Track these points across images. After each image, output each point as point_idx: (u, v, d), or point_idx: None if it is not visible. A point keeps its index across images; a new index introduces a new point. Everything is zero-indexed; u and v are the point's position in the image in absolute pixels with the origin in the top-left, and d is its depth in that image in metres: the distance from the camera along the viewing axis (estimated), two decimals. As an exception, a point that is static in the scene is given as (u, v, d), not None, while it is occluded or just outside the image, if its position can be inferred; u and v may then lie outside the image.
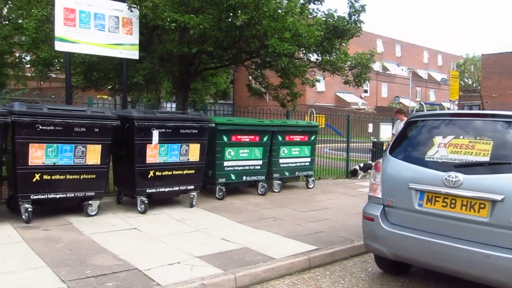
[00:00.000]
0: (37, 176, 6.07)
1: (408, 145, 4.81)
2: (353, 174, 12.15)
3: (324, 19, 10.64)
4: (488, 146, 4.03)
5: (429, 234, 4.12)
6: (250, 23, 8.60)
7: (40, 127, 5.99)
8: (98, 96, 9.86)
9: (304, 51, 10.97)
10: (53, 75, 26.04)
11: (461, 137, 4.26)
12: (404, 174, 4.47)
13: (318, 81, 12.56)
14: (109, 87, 16.93)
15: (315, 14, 11.19)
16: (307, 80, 12.19)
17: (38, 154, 6.04)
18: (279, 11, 9.07)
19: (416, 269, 5.19)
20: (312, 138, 9.86)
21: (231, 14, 8.96)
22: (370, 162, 12.09)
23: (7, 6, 25.22)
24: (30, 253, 4.89)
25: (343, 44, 11.32)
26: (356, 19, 10.51)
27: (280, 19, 8.98)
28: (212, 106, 10.96)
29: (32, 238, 5.44)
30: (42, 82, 34.14)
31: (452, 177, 4.01)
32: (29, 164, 6.00)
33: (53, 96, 7.85)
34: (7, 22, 25.97)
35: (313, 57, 11.66)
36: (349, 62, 11.37)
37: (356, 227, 6.53)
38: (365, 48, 15.66)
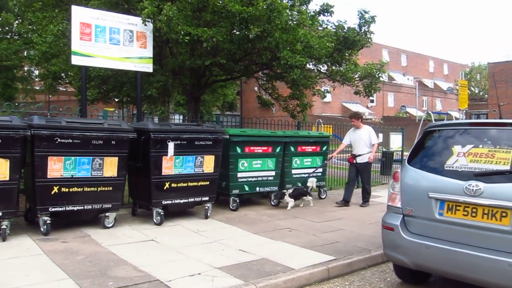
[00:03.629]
0: (55, 189, 6.14)
1: (426, 154, 4.83)
2: (278, 197, 8.76)
3: (334, 30, 10.73)
4: (508, 155, 4.05)
5: (450, 243, 4.13)
6: (262, 35, 8.70)
7: (59, 140, 6.07)
8: (104, 109, 9.95)
9: (314, 62, 11.04)
10: (61, 88, 26.37)
11: (481, 146, 4.28)
12: (424, 183, 4.49)
13: (329, 92, 12.61)
14: (116, 100, 17.11)
15: (325, 26, 11.28)
16: (318, 91, 12.24)
17: (56, 167, 6.11)
18: (291, 23, 9.16)
19: (435, 278, 5.18)
20: (324, 148, 9.90)
21: (243, 27, 9.05)
22: (305, 186, 9.11)
23: (17, 22, 25.59)
24: (51, 265, 4.93)
25: (353, 55, 11.39)
26: (366, 30, 10.58)
27: (292, 31, 9.07)
28: (217, 117, 11.02)
29: (51, 250, 5.48)
30: (50, 96, 34.48)
31: (473, 186, 4.03)
32: (48, 176, 6.07)
33: (70, 108, 7.94)
34: (17, 37, 26.35)
35: (323, 68, 11.73)
36: (359, 73, 11.41)
37: (372, 237, 6.56)
38: (370, 58, 15.76)
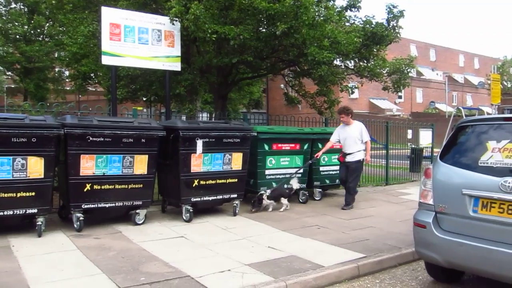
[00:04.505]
0: (88, 186, 6.28)
1: (459, 150, 4.72)
2: (256, 203, 7.91)
3: (361, 25, 10.61)
4: (546, 150, 3.92)
5: (485, 241, 4.03)
6: (289, 32, 8.67)
7: (91, 138, 6.21)
8: (133, 108, 10.11)
9: (341, 58, 10.94)
10: (90, 88, 26.97)
11: (517, 141, 4.15)
12: (457, 180, 4.39)
13: (357, 88, 12.48)
14: (144, 99, 17.35)
15: (352, 21, 11.16)
16: (346, 87, 12.14)
17: (88, 165, 6.25)
18: (318, 19, 9.09)
19: (468, 277, 5.07)
20: (352, 145, 9.77)
21: (269, 24, 9.04)
22: (287, 186, 8.39)
23: (48, 24, 26.24)
24: (84, 261, 5.05)
25: (381, 50, 11.23)
26: (395, 24, 10.42)
27: (319, 27, 9.01)
28: (245, 115, 11.08)
29: (84, 246, 5.61)
30: (80, 96, 35.27)
31: (509, 183, 3.92)
32: (80, 174, 6.21)
33: (101, 108, 8.11)
34: (48, 39, 27.06)
35: (351, 64, 11.61)
36: (387, 68, 11.25)
37: (402, 235, 6.46)
38: (398, 53, 15.51)
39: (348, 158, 8.44)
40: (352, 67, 11.70)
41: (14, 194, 5.76)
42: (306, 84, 13.58)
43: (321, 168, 9.25)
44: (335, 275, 4.93)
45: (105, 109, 8.65)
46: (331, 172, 9.43)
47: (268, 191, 7.97)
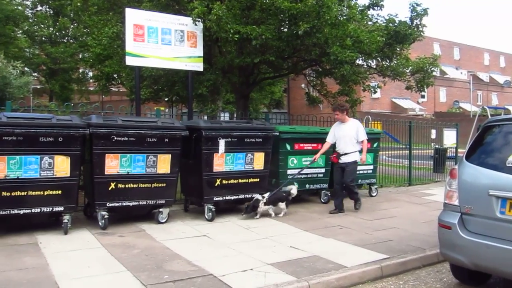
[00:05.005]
0: (112, 185, 6.38)
1: (485, 150, 4.64)
2: (251, 209, 7.32)
3: (384, 24, 10.51)
4: None
5: (513, 243, 3.95)
6: (312, 31, 8.64)
7: (115, 138, 6.31)
8: (156, 108, 10.23)
9: (364, 58, 10.86)
10: (113, 89, 27.40)
11: (546, 141, 4.06)
12: (483, 180, 4.31)
13: (380, 87, 12.36)
14: (166, 99, 17.54)
15: (375, 20, 11.07)
16: (368, 87, 12.03)
17: (113, 164, 6.35)
18: (340, 18, 9.04)
19: (495, 280, 4.97)
20: (375, 145, 9.71)
21: (291, 23, 9.03)
22: (285, 190, 7.81)
23: (72, 26, 26.74)
24: (110, 258, 5.14)
25: (404, 49, 11.11)
26: (418, 23, 10.29)
27: (341, 26, 8.95)
28: (266, 115, 11.07)
29: (109, 243, 5.71)
30: (103, 96, 35.83)
31: (538, 184, 3.83)
32: (105, 173, 6.33)
33: (125, 108, 8.23)
34: (72, 41, 27.58)
35: (373, 63, 11.51)
36: (410, 67, 11.11)
37: (426, 236, 6.38)
38: (421, 52, 15.28)
39: (343, 159, 7.89)
40: (375, 67, 11.59)
41: (42, 192, 5.90)
42: (327, 84, 13.52)
43: (343, 168, 9.17)
44: (358, 275, 4.90)
45: (128, 109, 8.77)
46: (353, 172, 9.34)
47: (266, 196, 7.44)
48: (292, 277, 4.62)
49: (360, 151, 7.94)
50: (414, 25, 10.47)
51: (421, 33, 10.77)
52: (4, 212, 5.68)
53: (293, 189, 7.82)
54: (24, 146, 5.72)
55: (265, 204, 7.39)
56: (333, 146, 8.18)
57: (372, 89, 12.30)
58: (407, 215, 8.05)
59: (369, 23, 11.13)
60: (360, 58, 10.87)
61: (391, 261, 5.31)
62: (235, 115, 15.40)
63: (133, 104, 19.97)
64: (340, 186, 8.02)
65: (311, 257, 5.32)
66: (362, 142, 7.94)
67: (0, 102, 6.95)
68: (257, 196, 7.40)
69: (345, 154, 7.88)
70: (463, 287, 4.83)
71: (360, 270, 4.96)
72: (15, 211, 5.75)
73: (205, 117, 11.53)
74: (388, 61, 11.09)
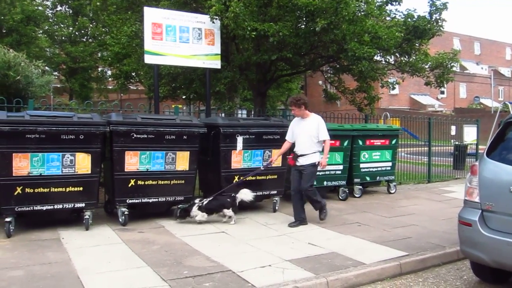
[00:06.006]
0: (132, 182, 6.47)
1: (507, 146, 4.59)
2: (182, 213, 6.71)
3: (403, 19, 10.40)
4: None
5: (536, 240, 3.89)
6: (329, 28, 8.61)
7: (135, 135, 6.40)
8: (174, 105, 10.32)
9: (382, 54, 10.77)
10: (131, 87, 27.71)
11: None
12: (504, 177, 4.26)
13: (398, 83, 12.25)
14: (183, 97, 17.67)
15: (393, 15, 10.96)
16: (386, 83, 11.93)
17: (133, 161, 6.44)
18: (358, 14, 8.98)
19: (517, 278, 4.90)
20: (393, 142, 9.64)
21: (309, 20, 9.00)
22: (224, 197, 6.85)
23: (91, 25, 27.11)
24: (130, 254, 5.22)
25: (423, 44, 10.98)
26: (438, 17, 10.16)
27: (359, 22, 8.90)
28: (284, 112, 11.08)
29: (129, 239, 5.79)
30: (121, 94, 36.24)
31: (562, 180, 3.77)
32: (125, 170, 6.42)
33: (143, 106, 8.33)
34: (91, 40, 27.97)
35: (391, 59, 11.41)
36: (429, 63, 10.97)
37: (446, 233, 6.32)
38: (440, 47, 15.08)
39: (301, 160, 6.64)
40: (393, 62, 11.49)
41: (64, 189, 6.02)
42: (345, 80, 13.46)
43: (362, 165, 9.14)
44: (376, 272, 4.89)
45: (146, 107, 8.87)
46: (371, 169, 9.32)
47: (205, 201, 6.73)
48: (311, 273, 4.63)
49: (322, 152, 6.74)
50: (433, 20, 10.34)
51: (441, 28, 10.63)
52: (27, 208, 5.81)
53: (243, 194, 6.85)
54: (46, 144, 5.84)
55: (201, 209, 6.62)
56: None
57: (390, 85, 12.19)
58: (427, 212, 7.98)
59: (387, 18, 11.04)
60: (378, 54, 10.78)
61: (410, 258, 5.28)
62: (252, 112, 15.45)
63: (151, 102, 20.19)
64: (297, 193, 6.77)
65: (329, 254, 5.32)
66: (324, 142, 6.69)
67: (23, 101, 7.08)
68: (195, 200, 6.78)
69: (303, 155, 6.63)
70: (483, 285, 4.78)
71: (379, 267, 4.95)
72: (38, 207, 5.88)
73: (222, 114, 11.57)
74: (406, 56, 10.99)
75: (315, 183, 6.96)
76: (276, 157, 7.10)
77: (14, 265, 4.69)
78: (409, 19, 10.35)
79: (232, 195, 6.84)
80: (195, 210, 6.63)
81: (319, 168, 6.83)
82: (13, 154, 5.67)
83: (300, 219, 6.78)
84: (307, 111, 6.79)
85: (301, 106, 6.72)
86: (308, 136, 6.65)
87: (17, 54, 7.73)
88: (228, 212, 6.76)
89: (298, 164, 6.68)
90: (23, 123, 5.69)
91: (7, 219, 5.70)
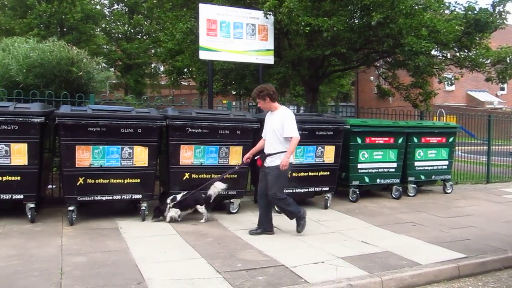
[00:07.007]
0: (186, 175, 6.62)
1: None
2: (157, 212, 6.45)
3: (463, 12, 9.99)
4: None
5: None
6: (385, 22, 8.41)
7: (190, 129, 6.53)
8: (225, 101, 10.44)
9: (439, 48, 10.40)
10: (183, 83, 28.28)
11: None
12: None
13: (457, 79, 11.78)
14: (233, 92, 17.82)
15: (452, 8, 10.55)
16: (444, 79, 11.51)
17: (187, 155, 6.59)
18: (416, 7, 8.71)
19: None
20: (450, 140, 9.31)
21: (364, 14, 8.83)
22: (204, 193, 6.45)
23: (146, 23, 27.88)
24: (184, 245, 5.35)
25: (484, 38, 10.50)
26: (501, 10, 9.69)
27: (417, 16, 8.63)
28: (337, 108, 10.94)
29: (184, 231, 5.94)
30: (174, 90, 37.06)
31: None
32: (180, 163, 6.57)
33: (197, 101, 8.50)
34: (146, 37, 28.78)
35: (449, 53, 11.00)
36: (491, 58, 10.48)
37: (507, 237, 6.07)
38: (501, 41, 14.33)
39: (267, 161, 5.80)
40: (450, 57, 11.06)
41: (122, 180, 6.25)
42: (399, 76, 13.11)
43: (416, 163, 8.90)
44: (433, 274, 4.75)
45: (197, 102, 9.03)
46: (427, 168, 9.05)
47: (179, 196, 6.36)
48: (364, 271, 4.57)
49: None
50: (496, 12, 9.87)
51: (504, 21, 10.13)
52: (88, 198, 6.09)
53: (216, 189, 6.49)
54: (106, 137, 6.08)
55: (175, 206, 6.33)
56: None
57: (448, 81, 11.76)
58: (485, 213, 7.67)
59: (446, 11, 10.63)
60: (436, 49, 10.43)
61: (469, 260, 5.09)
62: (301, 108, 15.35)
63: (202, 97, 20.53)
64: (261, 199, 6.00)
65: (383, 253, 5.23)
66: (291, 139, 5.69)
67: (84, 95, 7.41)
68: (169, 198, 6.41)
69: (269, 155, 5.80)
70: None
71: (435, 269, 4.80)
72: (98, 197, 6.15)
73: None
74: (466, 51, 10.55)
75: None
76: (249, 155, 6.21)
77: (77, 252, 4.93)
78: (469, 12, 9.93)
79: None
80: (169, 210, 6.34)
81: (271, 164, 5.73)
82: (76, 146, 5.96)
83: (264, 227, 5.97)
84: (274, 103, 5.88)
85: (265, 98, 5.82)
86: (273, 132, 5.78)
87: (80, 51, 8.10)
88: (201, 209, 6.45)
89: (265, 165, 5.83)
90: (85, 117, 5.95)
91: (70, 208, 6.00)
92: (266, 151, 5.85)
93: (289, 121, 5.71)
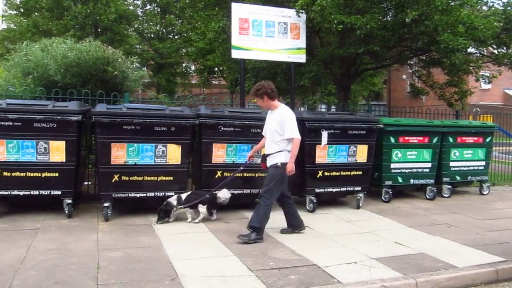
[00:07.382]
0: (219, 173, 6.67)
1: None
2: (163, 214, 6.16)
3: (502, 8, 9.69)
4: None
5: None
6: (420, 19, 8.24)
7: (222, 128, 6.58)
8: (253, 100, 10.47)
9: (476, 45, 10.11)
10: (214, 82, 28.50)
11: None
12: None
13: (495, 76, 11.41)
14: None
15: (491, 4, 10.26)
16: (481, 77, 11.19)
17: (220, 153, 6.64)
18: (452, 3, 8.49)
19: None
20: (488, 140, 9.04)
21: (398, 11, 8.67)
22: (212, 196, 6.30)
23: (177, 23, 28.23)
24: (217, 242, 5.39)
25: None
26: (543, 5, 9.35)
27: (453, 12, 8.40)
28: (369, 107, 10.78)
29: (216, 229, 5.98)
30: (204, 89, 37.40)
31: None
32: (212, 162, 6.62)
33: (228, 100, 8.55)
34: (177, 36, 29.14)
35: (486, 51, 10.69)
36: (532, 55, 10.14)
37: (549, 241, 5.84)
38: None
39: (268, 162, 5.64)
40: (489, 55, 10.74)
41: (155, 178, 6.35)
42: (433, 74, 12.82)
43: (452, 164, 8.68)
44: (470, 277, 4.63)
45: (228, 101, 9.07)
46: (462, 168, 8.82)
47: (183, 195, 6.27)
48: (398, 273, 4.49)
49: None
50: (539, 7, 9.55)
51: (545, 17, 9.76)
52: (123, 195, 6.21)
53: (224, 195, 6.36)
54: (141, 135, 6.19)
55: (181, 204, 6.20)
56: None
57: (486, 79, 11.42)
58: (525, 216, 7.41)
59: (484, 7, 10.33)
60: (472, 46, 10.14)
61: (508, 264, 4.92)
62: (332, 106, 15.22)
63: (232, 96, 20.63)
64: (286, 199, 5.91)
65: (417, 254, 5.13)
66: (292, 140, 5.46)
67: (119, 94, 7.56)
68: (172, 198, 6.24)
69: (268, 155, 5.62)
70: None
71: (472, 272, 4.68)
72: (133, 194, 6.26)
73: (301, 109, 11.55)
74: (505, 48, 10.22)
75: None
76: (251, 153, 6.18)
77: (112, 247, 5.04)
78: (509, 8, 9.63)
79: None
80: (177, 209, 6.21)
81: (270, 163, 5.57)
82: (112, 144, 6.09)
83: (294, 226, 5.92)
84: (273, 102, 5.63)
85: (262, 96, 5.56)
86: (272, 132, 5.57)
87: (115, 50, 8.28)
88: (202, 208, 6.28)
89: (267, 165, 5.65)
90: (121, 115, 6.08)
91: (106, 204, 6.13)
92: (266, 151, 5.73)
93: (289, 122, 5.47)
